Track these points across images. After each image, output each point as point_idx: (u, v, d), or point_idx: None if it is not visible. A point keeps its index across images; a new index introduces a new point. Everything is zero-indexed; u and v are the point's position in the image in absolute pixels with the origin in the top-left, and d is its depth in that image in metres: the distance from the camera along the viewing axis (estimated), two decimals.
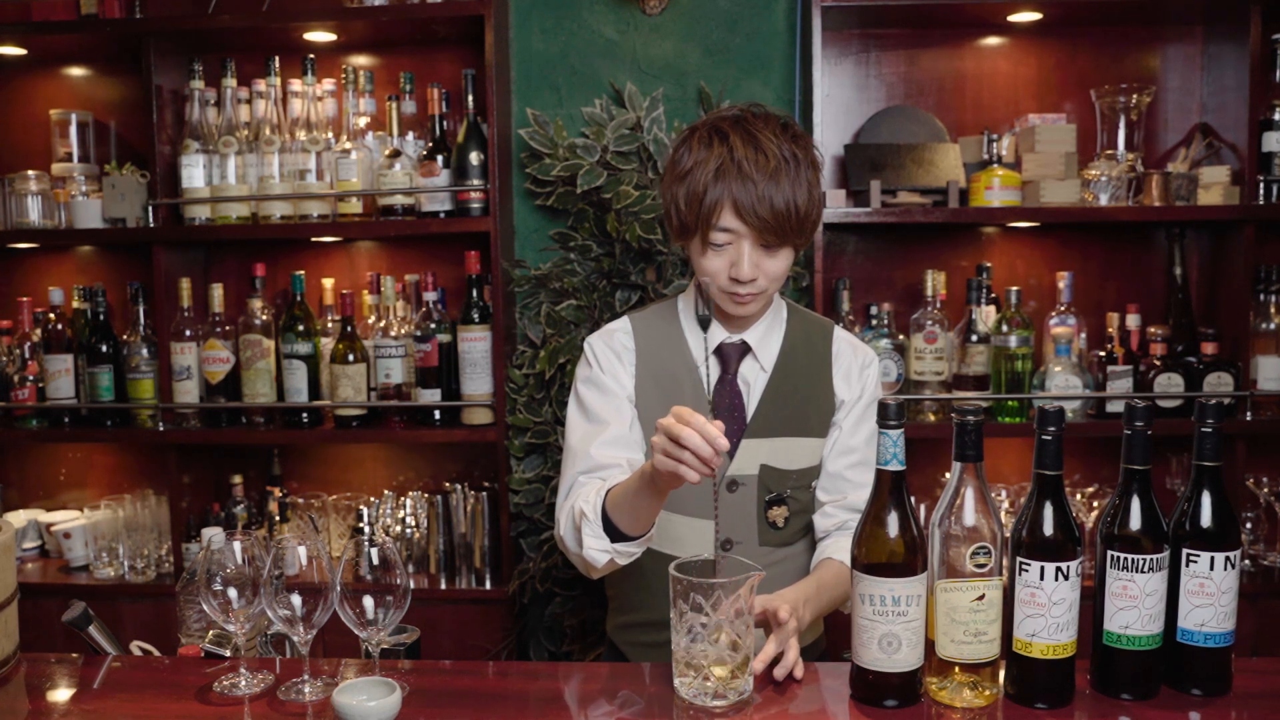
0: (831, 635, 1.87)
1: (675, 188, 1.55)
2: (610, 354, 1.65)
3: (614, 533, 1.46)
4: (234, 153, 2.66)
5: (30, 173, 2.79)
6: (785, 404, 1.63)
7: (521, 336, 2.71)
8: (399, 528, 2.78)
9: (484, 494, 2.73)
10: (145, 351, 2.74)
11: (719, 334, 1.64)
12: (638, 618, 1.70)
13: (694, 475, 1.29)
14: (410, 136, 2.71)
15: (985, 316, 2.60)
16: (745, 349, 1.64)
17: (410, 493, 2.82)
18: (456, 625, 2.66)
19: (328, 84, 2.74)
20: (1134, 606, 1.28)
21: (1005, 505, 2.62)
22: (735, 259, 1.52)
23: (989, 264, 2.68)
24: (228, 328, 2.72)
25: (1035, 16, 2.61)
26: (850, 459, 1.66)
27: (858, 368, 1.68)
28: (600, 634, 2.56)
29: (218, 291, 2.71)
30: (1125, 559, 1.28)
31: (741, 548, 1.63)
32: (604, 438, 1.59)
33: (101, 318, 2.77)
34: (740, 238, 1.51)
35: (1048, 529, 1.27)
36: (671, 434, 1.28)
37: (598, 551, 1.47)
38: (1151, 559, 1.27)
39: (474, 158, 2.60)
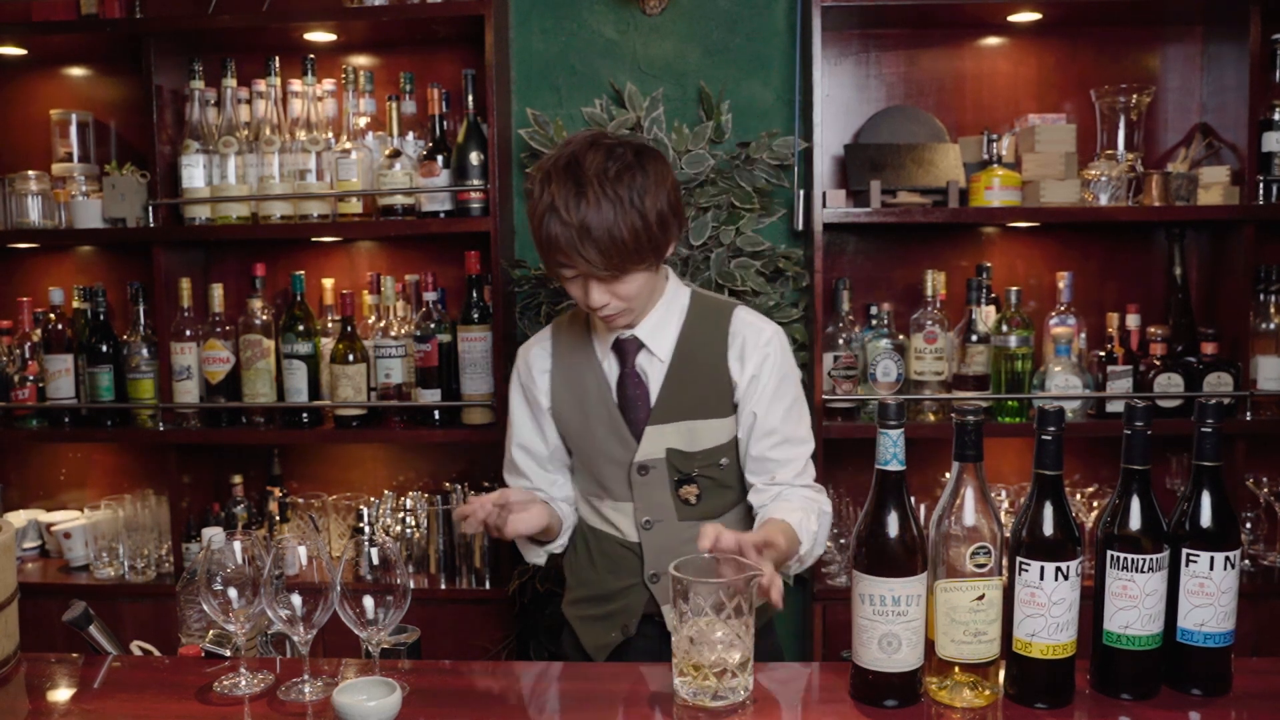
0: (831, 635, 1.87)
1: (530, 225, 1.62)
2: (528, 368, 1.80)
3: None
4: (234, 153, 2.66)
5: (30, 173, 2.79)
6: (684, 390, 1.69)
7: (521, 336, 2.71)
8: (399, 528, 2.78)
9: (484, 494, 2.72)
10: (145, 351, 2.74)
11: (611, 333, 1.73)
12: (583, 593, 1.81)
13: (471, 527, 1.69)
14: (410, 136, 2.71)
15: (985, 316, 2.60)
16: (639, 343, 1.71)
17: (410, 493, 2.82)
18: (456, 625, 2.66)
19: (328, 84, 2.74)
20: (1134, 606, 1.28)
21: (1005, 505, 2.62)
22: (585, 288, 1.60)
23: (989, 264, 2.68)
24: (228, 328, 2.72)
25: (1035, 16, 2.61)
26: (772, 440, 1.70)
27: (754, 345, 1.69)
28: None
29: (218, 291, 2.71)
30: (1125, 559, 1.28)
31: (662, 525, 1.72)
32: (511, 443, 1.84)
33: (101, 318, 2.77)
34: (578, 274, 1.59)
35: (1048, 529, 1.27)
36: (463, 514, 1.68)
37: (528, 552, 1.84)
38: (1151, 559, 1.27)
39: (474, 158, 2.60)
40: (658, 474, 1.70)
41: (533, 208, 1.58)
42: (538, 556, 1.84)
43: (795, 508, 1.64)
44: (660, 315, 1.70)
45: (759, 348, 1.70)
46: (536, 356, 1.80)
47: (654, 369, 1.70)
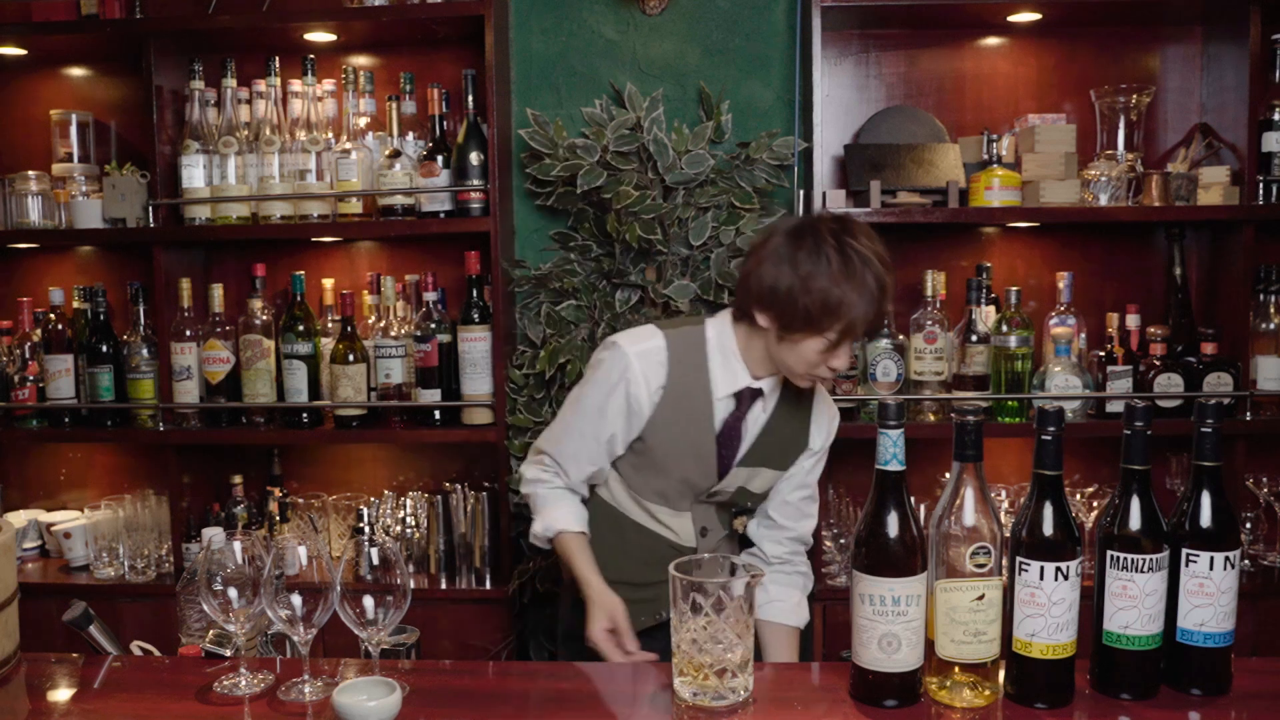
0: (831, 635, 1.87)
1: (806, 295, 1.63)
2: (641, 381, 1.76)
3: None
4: (234, 153, 2.66)
5: (30, 173, 2.79)
6: (772, 443, 1.84)
7: (521, 336, 2.71)
8: (399, 528, 2.78)
9: (484, 494, 2.73)
10: (145, 351, 2.74)
11: (745, 379, 1.78)
12: (610, 576, 1.80)
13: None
14: (410, 137, 2.71)
15: (985, 316, 2.60)
16: (757, 394, 1.80)
17: (410, 493, 2.82)
18: (456, 625, 2.66)
19: (328, 84, 2.74)
20: (1134, 606, 1.28)
21: (1005, 505, 2.62)
22: (840, 355, 1.68)
23: (989, 264, 2.68)
24: (228, 328, 2.72)
25: (1035, 17, 2.61)
26: (804, 493, 1.91)
27: (826, 420, 1.89)
28: None
29: (218, 291, 2.71)
30: (1125, 559, 1.28)
31: (713, 533, 1.89)
32: (578, 448, 1.82)
33: (102, 318, 2.77)
34: (850, 341, 1.67)
35: (1047, 529, 1.27)
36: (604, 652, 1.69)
37: (539, 541, 1.85)
38: (1151, 559, 1.27)
39: (474, 158, 2.60)
40: (721, 500, 1.87)
41: (829, 276, 1.61)
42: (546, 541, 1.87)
43: (795, 600, 1.90)
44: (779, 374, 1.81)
45: (830, 419, 1.89)
46: (655, 371, 1.77)
47: (756, 419, 1.82)
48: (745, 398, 1.79)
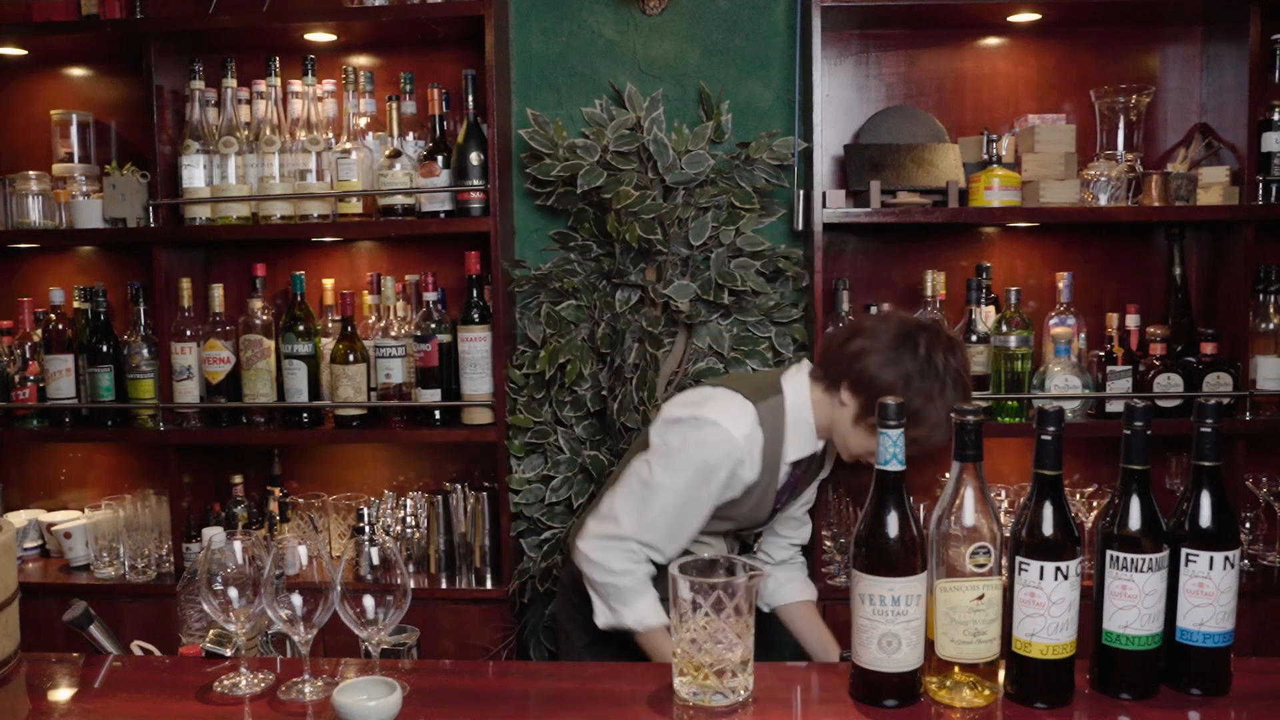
0: (831, 635, 1.87)
1: (899, 389, 1.69)
2: (746, 460, 1.77)
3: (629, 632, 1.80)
4: (234, 153, 2.66)
5: (31, 173, 2.79)
6: (804, 490, 2.01)
7: (521, 336, 2.71)
8: (399, 528, 2.78)
9: (484, 494, 2.73)
10: (146, 351, 2.74)
11: (809, 445, 1.85)
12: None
13: None
14: (410, 137, 2.71)
15: (985, 316, 2.60)
16: (820, 466, 1.95)
17: (410, 493, 2.82)
18: (456, 625, 2.66)
19: (328, 84, 2.74)
20: (1133, 606, 1.28)
21: (1005, 505, 2.62)
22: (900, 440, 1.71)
23: (989, 264, 2.68)
24: (228, 328, 2.72)
25: (1035, 17, 2.61)
26: (806, 508, 2.11)
27: (834, 453, 1.95)
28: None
29: (218, 291, 2.71)
30: (1125, 559, 1.28)
31: (736, 549, 2.04)
32: (683, 527, 1.79)
33: (102, 318, 2.77)
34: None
35: (1047, 529, 1.27)
36: None
37: (612, 628, 1.81)
38: (1151, 559, 1.27)
39: (474, 158, 2.60)
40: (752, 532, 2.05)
41: (931, 390, 1.69)
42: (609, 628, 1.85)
43: (801, 578, 2.12)
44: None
45: (834, 452, 1.95)
46: (755, 452, 1.79)
47: (808, 480, 1.98)
48: (804, 467, 1.90)
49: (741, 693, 1.31)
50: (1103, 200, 2.53)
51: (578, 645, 1.96)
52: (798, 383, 1.83)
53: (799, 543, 2.14)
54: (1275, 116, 2.48)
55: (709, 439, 1.74)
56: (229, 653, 1.50)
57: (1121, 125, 2.61)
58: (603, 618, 1.80)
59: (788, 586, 2.08)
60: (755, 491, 1.83)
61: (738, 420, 1.76)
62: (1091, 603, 1.32)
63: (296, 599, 1.33)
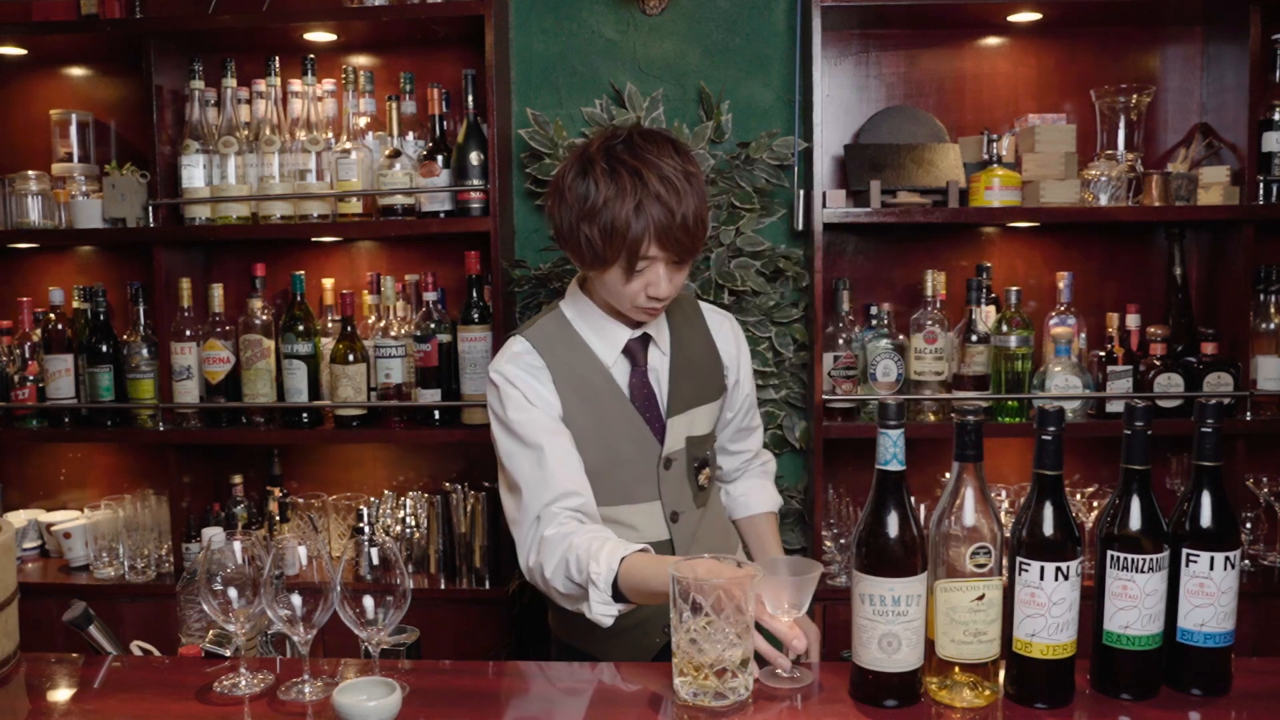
0: (831, 635, 1.87)
1: (587, 223, 1.56)
2: (528, 376, 1.66)
3: (619, 598, 1.47)
4: (234, 153, 2.66)
5: (30, 173, 2.79)
6: (689, 379, 1.77)
7: None
8: (399, 528, 2.78)
9: (484, 494, 2.73)
10: (145, 351, 2.74)
11: (624, 333, 1.71)
12: None
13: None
14: (410, 136, 2.71)
15: (985, 316, 2.60)
16: (647, 340, 1.74)
17: (410, 493, 2.82)
18: (456, 625, 2.66)
19: (328, 84, 2.74)
20: (1134, 606, 1.28)
21: (1005, 505, 2.62)
22: (653, 280, 1.60)
23: (989, 264, 2.68)
24: (228, 328, 2.72)
25: (1035, 16, 2.61)
26: (742, 414, 1.92)
27: (731, 329, 1.87)
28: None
29: (218, 291, 2.71)
30: (1125, 559, 1.28)
31: (684, 516, 1.77)
32: (559, 458, 1.59)
33: (102, 318, 2.77)
34: (657, 261, 1.59)
35: (1048, 529, 1.27)
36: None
37: (606, 616, 1.48)
38: (1151, 559, 1.27)
39: (474, 158, 2.60)
40: (679, 465, 1.75)
41: (606, 201, 1.54)
42: (610, 613, 1.49)
43: (758, 485, 1.96)
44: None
45: (734, 330, 1.87)
46: (533, 365, 1.66)
47: (660, 363, 1.75)
48: (637, 350, 1.72)
49: (742, 692, 1.31)
50: (1103, 200, 2.53)
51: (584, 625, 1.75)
52: (572, 290, 1.75)
53: (748, 450, 1.96)
54: (1275, 116, 2.48)
55: (489, 394, 1.68)
56: (228, 653, 1.50)
57: (1122, 125, 2.61)
58: (593, 606, 1.49)
59: (742, 499, 1.95)
60: (598, 409, 1.66)
61: (501, 355, 1.70)
62: (1092, 603, 1.31)
63: (296, 599, 1.33)
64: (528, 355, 1.68)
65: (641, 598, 1.45)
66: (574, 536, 1.52)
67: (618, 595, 1.46)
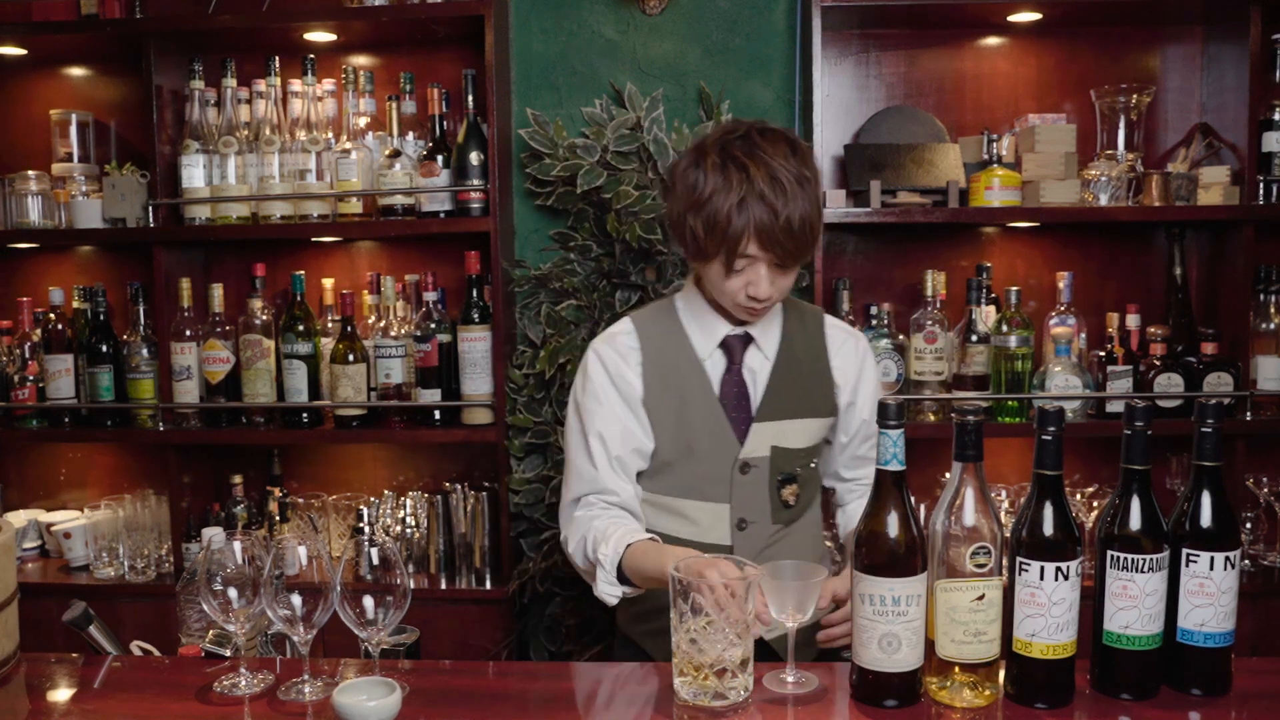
0: None
1: (692, 215, 1.58)
2: (616, 357, 1.70)
3: (625, 580, 1.59)
4: (234, 153, 2.66)
5: (30, 173, 2.79)
6: (790, 387, 1.72)
7: (521, 336, 2.71)
8: (399, 528, 2.78)
9: (484, 494, 2.73)
10: (145, 351, 2.74)
11: (724, 328, 1.70)
12: (654, 603, 1.70)
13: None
14: (410, 136, 2.71)
15: (985, 316, 2.60)
16: (748, 340, 1.71)
17: (410, 493, 2.82)
18: (456, 625, 2.66)
19: (328, 84, 2.73)
20: (1134, 606, 1.28)
21: (1005, 505, 2.62)
22: (753, 279, 1.59)
23: (989, 264, 2.68)
24: (228, 328, 2.71)
25: (1035, 16, 2.61)
26: (871, 440, 1.79)
27: (853, 350, 1.79)
28: (599, 633, 2.56)
29: (218, 291, 2.71)
30: (1125, 559, 1.28)
31: (755, 526, 1.71)
32: (607, 457, 1.67)
33: (101, 318, 2.77)
34: (759, 261, 1.57)
35: (1048, 529, 1.27)
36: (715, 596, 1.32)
37: (610, 596, 1.60)
38: (1151, 559, 1.27)
39: (474, 158, 2.60)
40: (759, 473, 1.70)
41: (712, 193, 1.54)
42: (635, 592, 1.60)
43: None
44: (768, 315, 1.72)
45: (858, 352, 1.79)
46: (626, 348, 1.70)
47: (759, 366, 1.71)
48: (735, 348, 1.70)
49: (742, 692, 1.31)
50: (1103, 200, 2.53)
51: (629, 615, 1.80)
52: (688, 282, 1.75)
53: (866, 478, 1.83)
54: (1276, 116, 2.48)
55: (580, 367, 1.73)
56: (228, 653, 1.50)
57: (1122, 125, 2.61)
58: (601, 588, 1.60)
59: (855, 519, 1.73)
60: (683, 399, 1.66)
61: (605, 332, 1.73)
62: (1092, 603, 1.31)
63: (296, 599, 1.33)
64: (625, 335, 1.72)
65: (643, 582, 1.56)
66: (596, 520, 1.64)
67: (624, 578, 1.57)
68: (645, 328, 1.72)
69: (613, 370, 1.69)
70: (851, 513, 1.89)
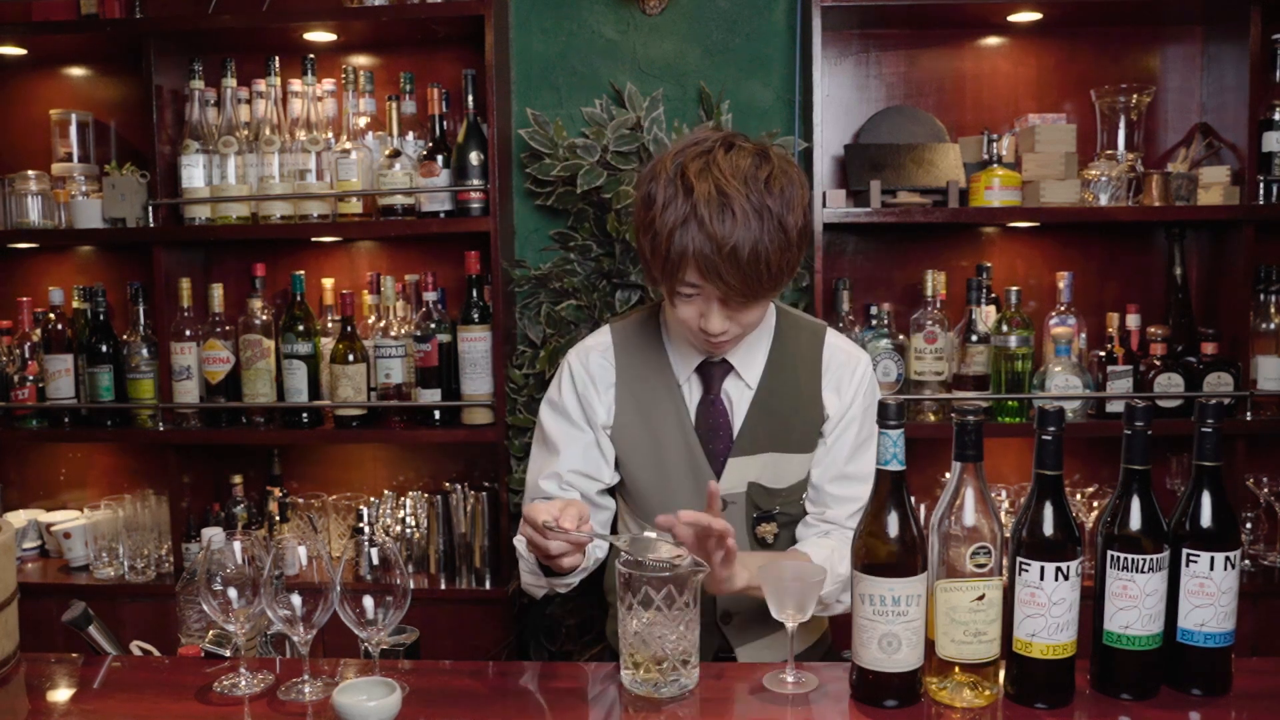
0: (832, 635, 1.86)
1: (642, 234, 1.45)
2: (587, 379, 1.60)
3: (548, 570, 1.51)
4: (234, 153, 2.66)
5: (30, 173, 2.79)
6: (771, 420, 1.58)
7: (521, 336, 2.71)
8: (399, 528, 2.78)
9: (484, 494, 2.73)
10: (145, 351, 2.74)
11: (695, 355, 1.58)
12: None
13: (566, 563, 1.37)
14: (410, 136, 2.71)
15: (985, 316, 2.60)
16: (727, 368, 1.59)
17: (410, 493, 2.82)
18: (456, 625, 2.66)
19: (328, 84, 2.73)
20: (1134, 606, 1.28)
21: (1005, 505, 2.62)
22: (704, 311, 1.45)
23: (989, 264, 2.68)
24: (228, 328, 2.71)
25: (1035, 16, 2.61)
26: (832, 473, 1.61)
27: (849, 375, 1.61)
28: (598, 633, 2.56)
29: (218, 291, 2.71)
30: (1125, 559, 1.28)
31: None
32: (550, 470, 1.60)
33: (101, 318, 2.77)
34: (707, 293, 1.43)
35: (1048, 529, 1.27)
36: (538, 546, 1.34)
37: (534, 587, 1.55)
38: (1151, 559, 1.27)
39: (474, 158, 2.60)
40: (735, 510, 1.58)
41: (657, 213, 1.39)
42: (565, 588, 1.55)
43: (830, 545, 1.55)
44: (752, 338, 1.58)
45: (854, 380, 1.60)
46: (599, 367, 1.59)
47: (739, 395, 1.58)
48: (713, 376, 1.56)
49: (685, 685, 1.31)
50: (1103, 200, 2.53)
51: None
52: None
53: (823, 518, 1.61)
54: (1276, 116, 2.48)
55: (560, 367, 1.65)
56: (228, 653, 1.50)
57: (1122, 125, 2.61)
58: (523, 581, 1.55)
59: (806, 540, 1.61)
60: (655, 423, 1.55)
61: (587, 339, 1.63)
62: (1092, 603, 1.31)
63: (296, 599, 1.33)
64: (602, 354, 1.60)
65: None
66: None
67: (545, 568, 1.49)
68: (624, 343, 1.61)
69: (581, 390, 1.60)
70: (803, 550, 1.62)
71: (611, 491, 1.68)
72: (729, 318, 1.45)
